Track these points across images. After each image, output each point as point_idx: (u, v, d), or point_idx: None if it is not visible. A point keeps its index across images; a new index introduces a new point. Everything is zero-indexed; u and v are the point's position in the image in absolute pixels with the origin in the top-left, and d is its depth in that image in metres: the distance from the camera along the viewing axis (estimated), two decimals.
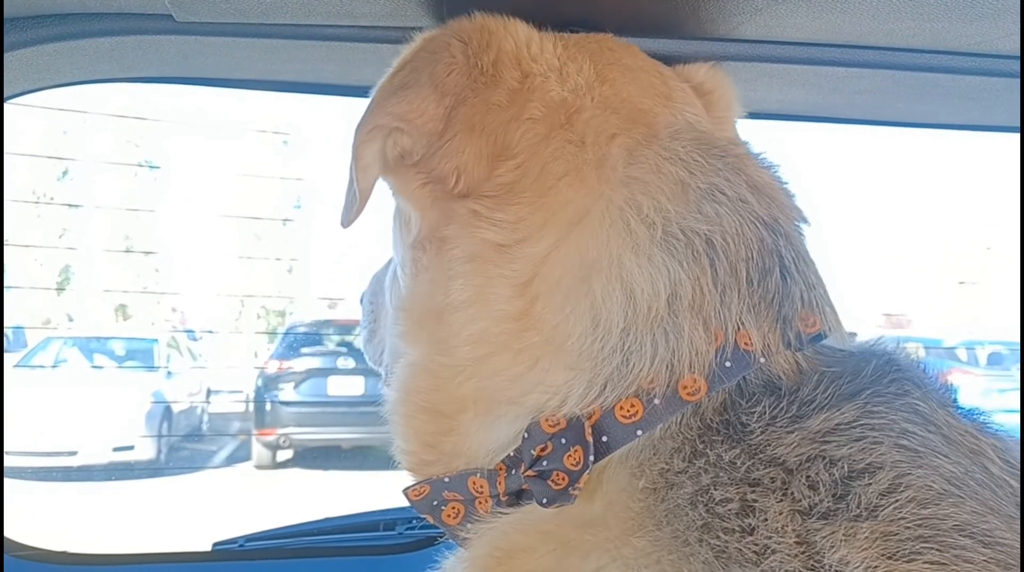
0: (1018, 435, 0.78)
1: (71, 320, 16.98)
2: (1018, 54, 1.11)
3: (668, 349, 0.76)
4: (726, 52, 1.18)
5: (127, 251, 17.73)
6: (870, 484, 0.68)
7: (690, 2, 1.05)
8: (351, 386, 10.01)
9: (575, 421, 0.77)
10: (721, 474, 0.71)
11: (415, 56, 0.90)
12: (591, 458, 0.75)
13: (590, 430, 0.76)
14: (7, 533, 1.64)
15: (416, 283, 0.91)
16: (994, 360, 12.70)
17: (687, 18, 1.09)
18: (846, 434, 0.72)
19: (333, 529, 1.92)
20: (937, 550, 0.64)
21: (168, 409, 11.14)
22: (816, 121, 1.48)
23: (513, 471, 0.80)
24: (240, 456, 11.07)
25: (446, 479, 0.85)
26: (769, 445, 0.72)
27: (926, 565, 0.63)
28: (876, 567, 0.63)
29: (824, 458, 0.70)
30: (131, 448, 10.14)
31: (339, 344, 11.11)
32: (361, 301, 1.23)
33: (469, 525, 0.83)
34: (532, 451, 0.78)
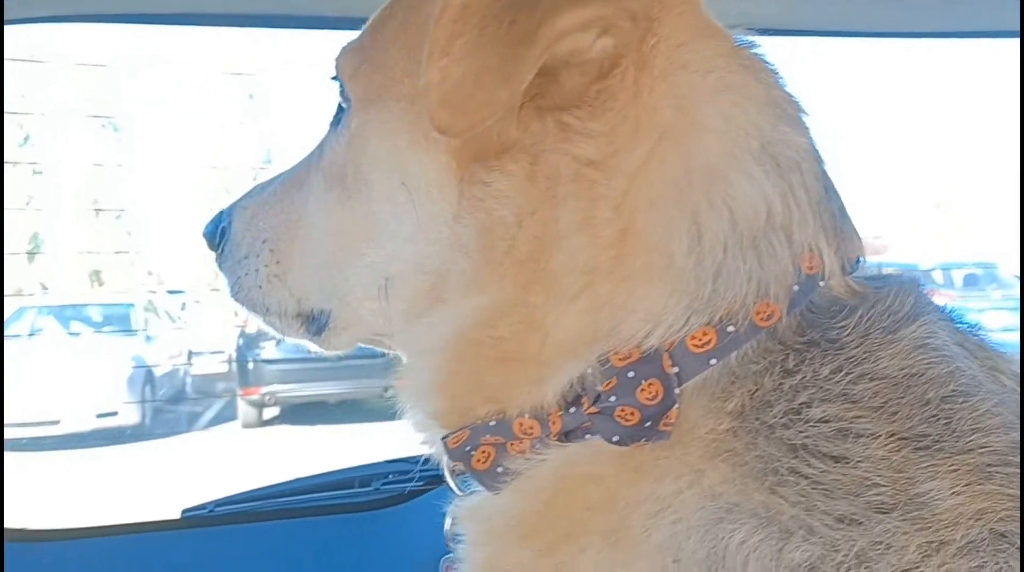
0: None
1: (45, 288, 16.77)
2: None
3: (761, 271, 0.73)
4: None
5: (96, 212, 17.46)
6: (963, 411, 0.67)
7: None
8: None
9: (651, 353, 0.72)
10: (818, 391, 0.68)
11: None
12: (677, 390, 0.71)
13: (670, 361, 0.71)
14: None
15: (491, 216, 0.77)
16: (970, 281, 12.90)
17: None
18: (934, 350, 0.70)
19: (307, 489, 1.87)
20: (1007, 471, 0.65)
21: (150, 373, 11.10)
22: (785, 34, 1.41)
23: (572, 409, 0.74)
24: (226, 416, 11.07)
25: (491, 423, 0.78)
26: (867, 358, 0.69)
27: (996, 485, 0.63)
28: (959, 490, 0.63)
29: (922, 375, 0.68)
30: (114, 414, 10.12)
31: None
32: (217, 242, 1.03)
33: (501, 469, 0.78)
34: (598, 387, 0.72)
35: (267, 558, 1.71)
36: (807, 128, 0.81)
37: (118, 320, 12.30)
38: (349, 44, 0.92)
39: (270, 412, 10.66)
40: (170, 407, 11.81)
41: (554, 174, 0.76)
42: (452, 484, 0.88)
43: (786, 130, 0.78)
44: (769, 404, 0.69)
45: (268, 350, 10.35)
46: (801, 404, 0.68)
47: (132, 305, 12.95)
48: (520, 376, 0.77)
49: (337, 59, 0.92)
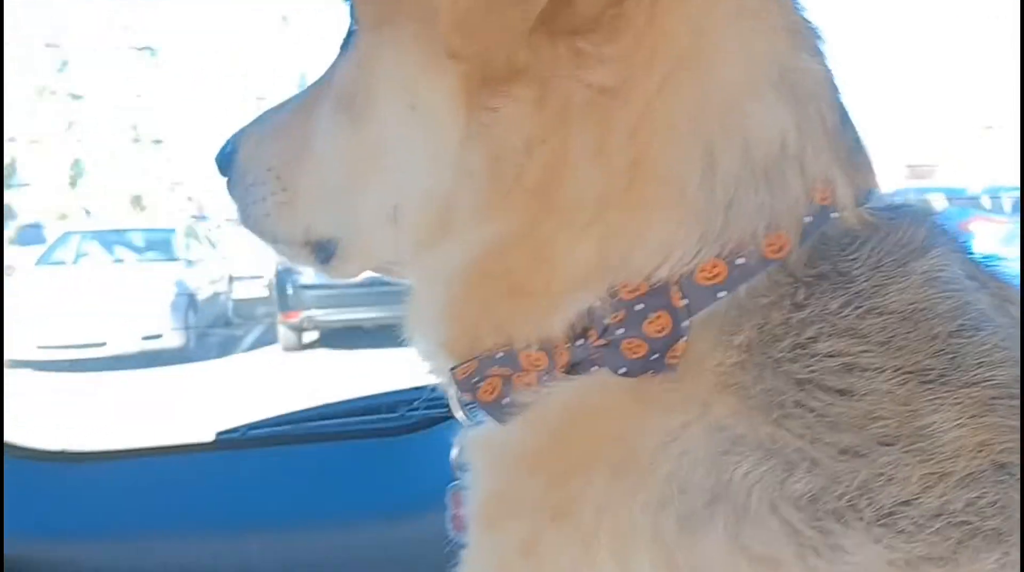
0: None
1: (88, 214, 17.08)
2: None
3: (773, 203, 0.71)
4: None
5: (136, 139, 17.62)
6: (970, 345, 0.66)
7: None
8: None
9: (660, 286, 0.71)
10: (826, 326, 0.68)
11: None
12: (685, 324, 0.70)
13: (679, 294, 0.71)
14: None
15: (499, 142, 0.76)
16: (1019, 206, 12.56)
17: None
18: (941, 283, 0.70)
19: (335, 414, 1.91)
20: (1011, 403, 0.65)
21: (192, 297, 11.31)
22: None
23: (580, 341, 0.74)
24: (267, 340, 11.30)
25: (498, 354, 0.78)
26: (876, 292, 0.69)
27: (999, 418, 0.64)
28: (963, 422, 0.63)
29: (930, 310, 0.68)
30: (159, 337, 10.37)
31: None
32: (224, 167, 1.02)
33: (508, 400, 0.78)
34: (606, 320, 0.72)
35: (297, 480, 1.76)
36: (825, 56, 0.78)
37: (160, 245, 12.52)
38: None
39: (309, 336, 10.84)
40: (212, 331, 12.07)
41: (565, 101, 0.74)
42: (460, 414, 0.89)
43: (804, 57, 0.75)
44: (777, 338, 0.68)
45: (307, 275, 10.47)
46: (808, 338, 0.67)
47: (173, 230, 13.15)
48: (530, 308, 0.77)
49: None
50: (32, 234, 16.04)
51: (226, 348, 11.31)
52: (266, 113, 1.03)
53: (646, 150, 0.72)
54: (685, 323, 0.71)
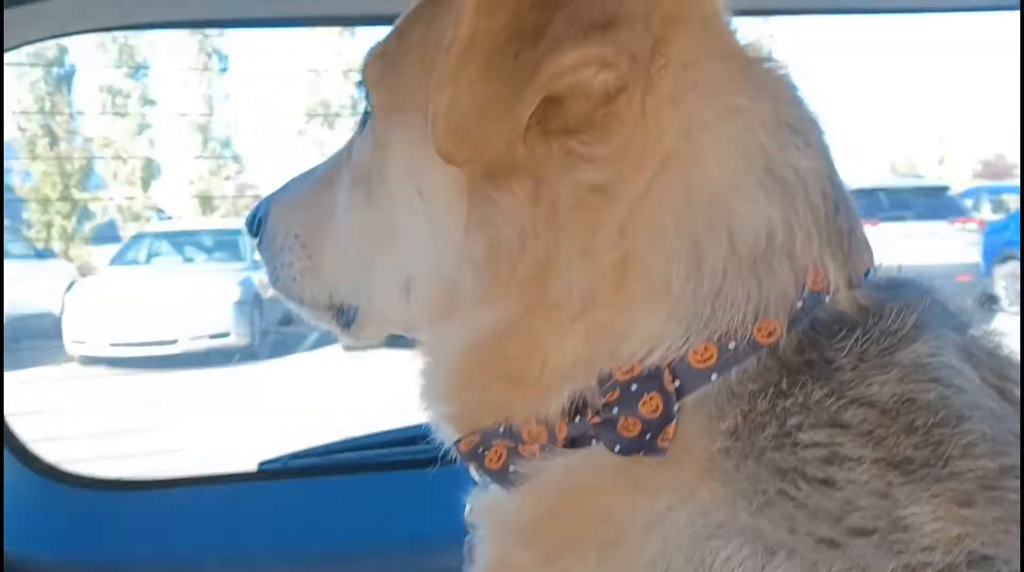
0: None
1: (160, 213, 17.62)
2: None
3: (760, 293, 0.73)
4: None
5: (206, 141, 18.08)
6: (954, 436, 0.67)
7: None
8: None
9: (652, 370, 0.74)
10: (809, 416, 0.69)
11: None
12: (675, 407, 0.73)
13: (670, 378, 0.73)
14: (58, 462, 1.75)
15: (497, 231, 0.79)
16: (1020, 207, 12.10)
17: None
18: (928, 373, 0.70)
19: (377, 444, 1.96)
20: (994, 492, 0.65)
21: (258, 297, 11.58)
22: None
23: (577, 418, 0.77)
24: (329, 339, 11.48)
25: (500, 429, 0.81)
26: (860, 382, 0.70)
27: (978, 511, 0.64)
28: (941, 515, 0.64)
29: (913, 401, 0.69)
30: (227, 335, 10.65)
31: None
32: (255, 229, 1.07)
33: (513, 468, 0.81)
34: (602, 399, 0.75)
35: (338, 510, 1.82)
36: (820, 146, 0.80)
37: (228, 246, 12.85)
38: (373, 49, 0.94)
39: None
40: (276, 330, 12.33)
41: (556, 199, 0.76)
42: (472, 473, 0.91)
43: (794, 151, 0.77)
44: (761, 426, 0.70)
45: None
46: (792, 427, 0.69)
47: (240, 231, 13.45)
48: (523, 395, 0.79)
49: (363, 64, 0.94)
50: (107, 234, 16.65)
51: (289, 347, 11.54)
52: (294, 180, 1.09)
53: (634, 248, 0.75)
54: (676, 406, 0.73)
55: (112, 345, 10.21)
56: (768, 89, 0.79)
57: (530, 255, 0.78)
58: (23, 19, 1.13)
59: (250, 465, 1.87)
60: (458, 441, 0.85)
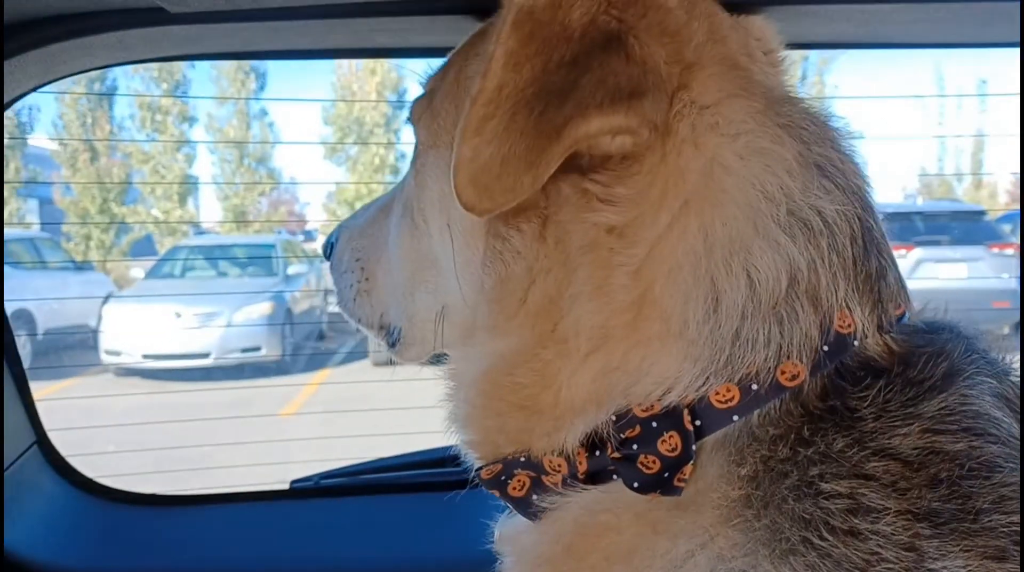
0: None
1: (197, 226, 17.89)
2: None
3: (782, 336, 0.74)
4: None
5: (241, 157, 18.34)
6: (984, 487, 0.66)
7: None
8: None
9: (671, 408, 0.74)
10: (831, 465, 0.69)
11: (591, 31, 0.74)
12: (693, 447, 0.73)
13: (689, 418, 0.74)
14: (96, 476, 1.79)
15: (506, 268, 0.83)
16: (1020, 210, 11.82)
17: None
18: (956, 424, 0.70)
19: (406, 465, 1.98)
20: None
21: (289, 311, 11.70)
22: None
23: (597, 453, 0.78)
24: (358, 354, 11.56)
25: (521, 458, 0.83)
26: (883, 433, 0.69)
27: (1014, 565, 0.64)
28: (974, 569, 0.63)
29: (939, 452, 0.68)
30: (258, 349, 10.75)
31: None
32: (328, 253, 1.15)
33: (537, 497, 0.82)
34: (621, 434, 0.76)
35: (368, 529, 1.84)
36: (852, 188, 0.79)
37: (260, 260, 13.02)
38: (422, 83, 0.99)
39: None
40: (307, 344, 12.43)
41: (564, 237, 0.78)
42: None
43: (820, 193, 0.77)
44: (783, 474, 0.70)
45: None
46: (814, 476, 0.69)
47: (273, 246, 13.64)
48: (537, 424, 0.81)
49: (411, 104, 0.99)
50: (143, 248, 16.92)
51: (320, 361, 11.63)
52: (362, 208, 1.16)
53: (650, 289, 0.76)
54: (693, 446, 0.73)
55: (146, 357, 10.35)
56: (795, 129, 0.79)
57: (539, 290, 0.80)
58: (72, 52, 1.18)
59: (282, 483, 1.90)
60: (479, 469, 0.87)
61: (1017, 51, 1.49)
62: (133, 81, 17.32)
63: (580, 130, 0.71)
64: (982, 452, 0.68)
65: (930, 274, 9.37)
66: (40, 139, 17.45)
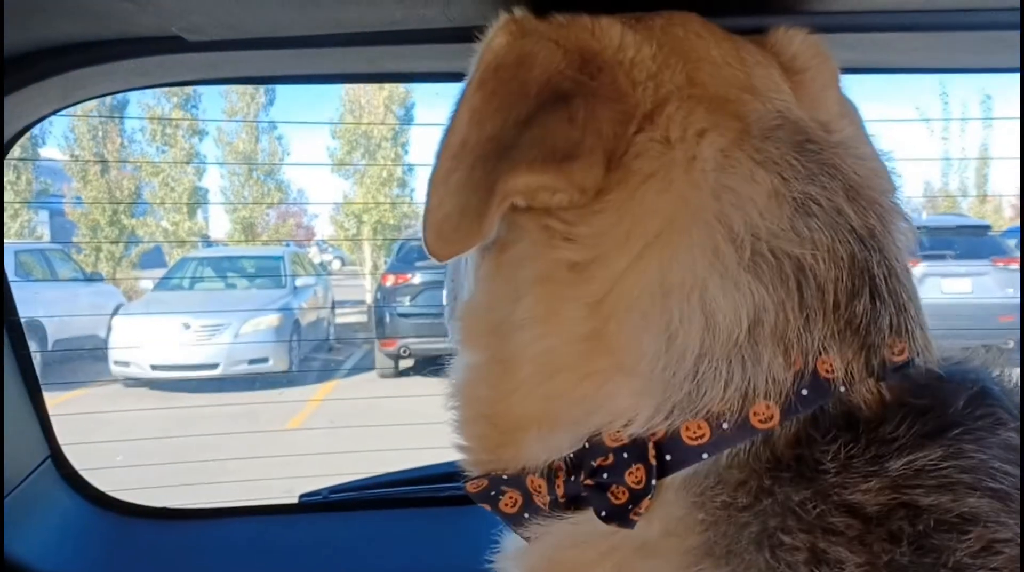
0: None
1: (206, 238, 17.98)
2: None
3: (744, 377, 0.72)
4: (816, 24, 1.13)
5: (250, 169, 18.44)
6: (962, 541, 0.64)
7: None
8: None
9: (638, 440, 0.74)
10: (790, 519, 0.68)
11: (544, 91, 0.76)
12: (653, 482, 0.73)
13: (653, 452, 0.74)
14: (107, 488, 1.82)
15: (477, 290, 0.87)
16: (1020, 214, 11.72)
17: None
18: (933, 479, 0.67)
19: (415, 480, 2.00)
20: None
21: (297, 323, 11.75)
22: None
23: (572, 477, 0.79)
24: (365, 365, 11.59)
25: (504, 476, 0.84)
26: (845, 488, 0.68)
27: None
28: None
29: (907, 507, 0.66)
30: (265, 361, 10.80)
31: None
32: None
33: (528, 516, 0.83)
34: (593, 462, 0.76)
35: (375, 543, 1.86)
36: (839, 226, 0.76)
37: (269, 272, 13.09)
38: None
39: (405, 364, 11.07)
40: (314, 355, 12.46)
41: (519, 267, 0.80)
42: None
43: (793, 233, 0.74)
44: (743, 524, 0.69)
45: (405, 304, 10.73)
46: (775, 528, 0.68)
47: (281, 258, 13.72)
48: (499, 436, 0.83)
49: None
50: (153, 259, 17.02)
51: (326, 373, 11.66)
52: None
53: (604, 325, 0.76)
54: (653, 481, 0.73)
55: (154, 368, 10.40)
56: (773, 164, 0.76)
57: (496, 313, 0.82)
58: (91, 77, 1.21)
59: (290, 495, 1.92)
60: (467, 481, 0.89)
61: (1017, 76, 1.52)
62: (144, 95, 17.44)
63: (509, 185, 0.73)
64: (959, 505, 0.66)
65: (935, 288, 9.37)
66: (52, 151, 17.59)
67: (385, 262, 14.90)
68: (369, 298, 12.77)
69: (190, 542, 1.79)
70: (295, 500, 1.92)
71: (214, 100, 18.80)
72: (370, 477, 2.02)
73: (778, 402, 0.72)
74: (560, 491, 0.80)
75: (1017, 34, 1.20)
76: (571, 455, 0.78)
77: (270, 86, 18.17)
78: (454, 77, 1.34)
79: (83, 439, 1.80)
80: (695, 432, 0.73)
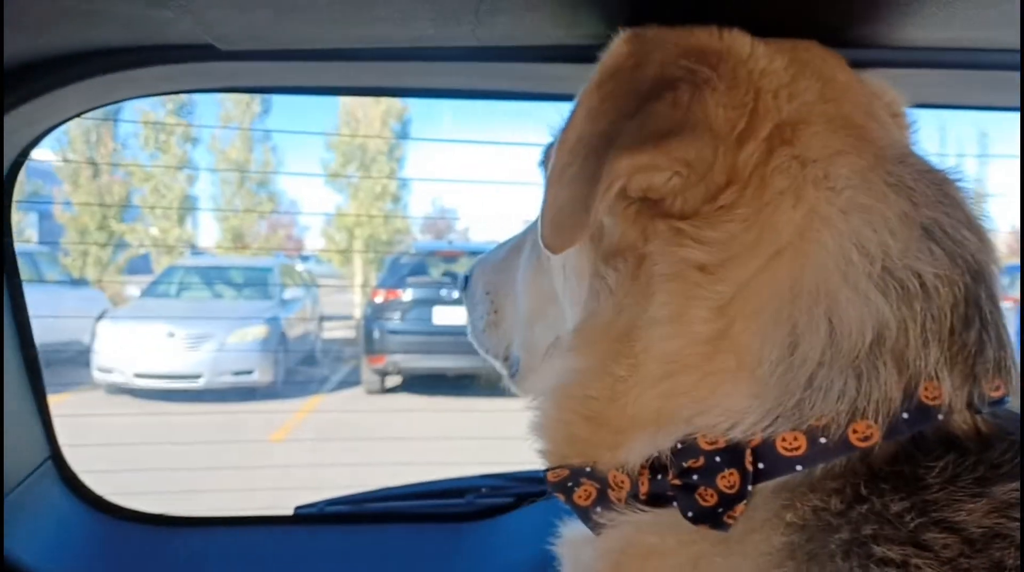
0: None
1: (194, 247, 17.90)
2: None
3: (858, 391, 0.72)
4: (894, 59, 1.17)
5: (242, 179, 18.41)
6: None
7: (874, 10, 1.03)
8: (456, 316, 10.16)
9: (735, 445, 0.75)
10: (886, 528, 0.66)
11: (655, 83, 0.79)
12: (749, 487, 0.74)
13: (751, 458, 0.74)
14: (104, 493, 1.81)
15: (599, 304, 0.86)
16: (1020, 219, 11.76)
17: (875, 24, 1.06)
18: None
19: (412, 495, 2.01)
20: None
21: (283, 335, 11.68)
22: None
23: (659, 476, 0.79)
24: (352, 380, 11.53)
25: (587, 468, 0.85)
26: (948, 506, 0.67)
27: None
28: None
29: (1008, 538, 0.65)
30: (251, 373, 10.73)
31: (444, 274, 11.31)
32: (465, 287, 1.22)
33: (600, 510, 0.84)
34: (684, 463, 0.77)
35: (369, 558, 1.86)
36: (962, 254, 0.77)
37: (257, 283, 13.03)
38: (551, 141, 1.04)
39: (392, 380, 11.03)
40: (300, 369, 12.39)
41: (652, 267, 0.81)
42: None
43: (919, 255, 0.75)
44: (834, 528, 0.69)
45: (394, 321, 10.70)
46: (867, 536, 0.67)
47: (270, 269, 13.66)
48: (601, 437, 0.84)
49: (544, 148, 1.05)
50: (140, 266, 16.94)
51: (312, 387, 11.60)
52: (499, 245, 1.23)
53: (730, 326, 0.77)
54: (750, 487, 0.74)
55: (137, 376, 10.32)
56: (903, 188, 0.78)
57: (622, 320, 0.83)
58: (118, 83, 1.22)
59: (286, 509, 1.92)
60: (547, 471, 0.90)
61: (1017, 115, 1.55)
62: (140, 99, 17.40)
63: (611, 172, 0.75)
64: None
65: None
66: (44, 153, 17.50)
67: (375, 277, 14.87)
68: (358, 313, 12.71)
69: (186, 550, 1.79)
70: (290, 512, 1.91)
71: (209, 107, 18.83)
72: (367, 491, 2.02)
73: (884, 420, 0.72)
74: (644, 488, 0.80)
75: (1017, 74, 1.24)
76: (668, 454, 0.79)
77: (266, 95, 18.22)
78: (477, 95, 1.39)
79: (65, 443, 1.79)
80: (791, 443, 0.74)
